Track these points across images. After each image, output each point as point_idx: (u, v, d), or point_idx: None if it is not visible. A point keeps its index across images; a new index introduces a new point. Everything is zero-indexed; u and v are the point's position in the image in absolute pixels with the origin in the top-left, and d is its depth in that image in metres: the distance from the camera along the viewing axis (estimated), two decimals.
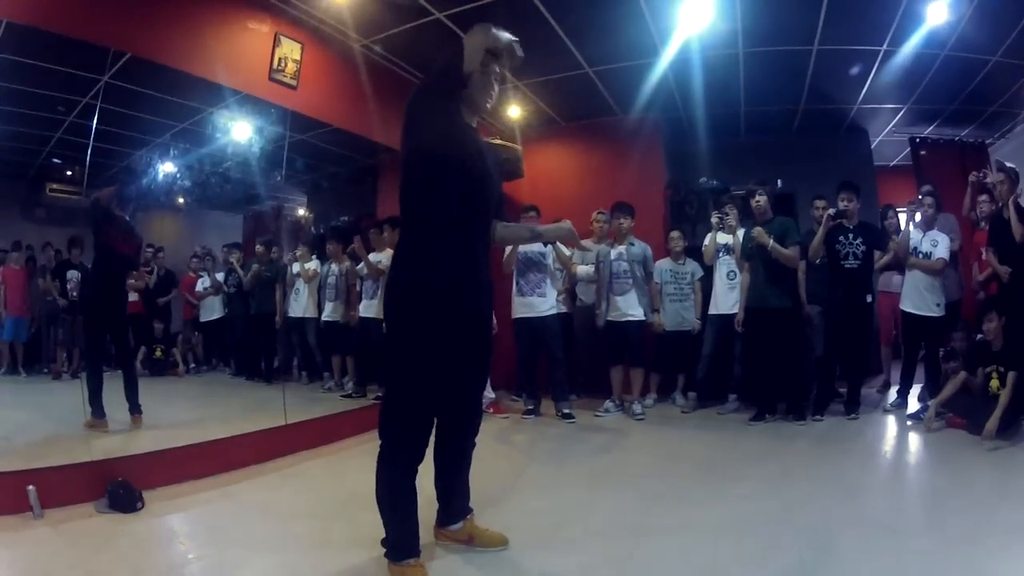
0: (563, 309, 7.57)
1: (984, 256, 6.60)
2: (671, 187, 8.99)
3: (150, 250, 6.70)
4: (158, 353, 6.73)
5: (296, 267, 7.65)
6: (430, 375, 2.98)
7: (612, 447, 5.97)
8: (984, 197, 6.74)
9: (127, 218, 5.39)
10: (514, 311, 7.20)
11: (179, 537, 3.89)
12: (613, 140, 9.19)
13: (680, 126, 9.35)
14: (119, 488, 4.09)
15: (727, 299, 7.16)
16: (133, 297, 6.39)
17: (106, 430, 4.96)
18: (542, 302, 7.10)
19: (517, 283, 7.18)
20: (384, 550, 3.14)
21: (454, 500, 3.55)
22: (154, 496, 4.27)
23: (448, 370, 3.06)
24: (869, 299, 6.76)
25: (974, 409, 5.78)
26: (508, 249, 6.98)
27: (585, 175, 9.26)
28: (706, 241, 7.38)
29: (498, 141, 8.43)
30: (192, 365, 7.12)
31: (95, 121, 5.01)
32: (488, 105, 3.23)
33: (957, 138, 10.58)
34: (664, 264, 7.64)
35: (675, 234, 7.71)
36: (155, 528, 3.89)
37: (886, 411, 6.96)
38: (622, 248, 7.26)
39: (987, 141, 10.51)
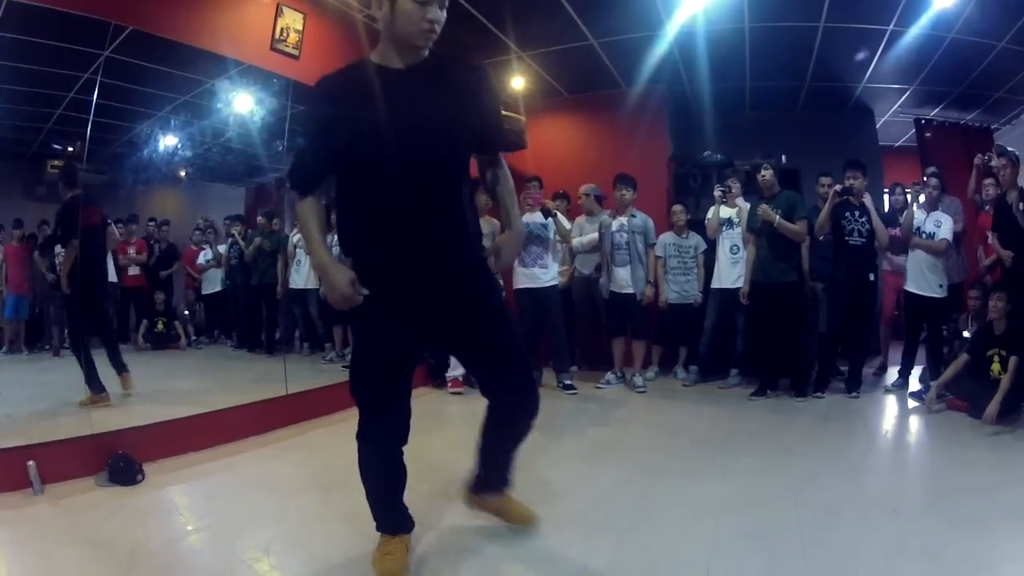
0: (563, 280, 7.58)
1: (989, 240, 6.57)
2: (674, 160, 8.96)
3: (152, 224, 6.70)
4: (160, 326, 6.72)
5: (297, 238, 7.55)
6: (372, 350, 2.83)
7: (613, 419, 5.98)
8: (990, 181, 6.72)
9: (78, 193, 5.29)
10: (515, 282, 7.20)
11: (179, 509, 3.92)
12: (617, 113, 9.12)
13: (684, 100, 9.34)
14: (119, 461, 4.10)
15: (730, 273, 7.15)
16: (135, 271, 6.42)
17: (108, 404, 4.94)
18: (544, 273, 7.11)
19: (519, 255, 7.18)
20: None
21: (490, 472, 3.34)
22: (154, 469, 4.29)
23: (404, 342, 2.82)
24: (872, 277, 6.75)
25: (975, 392, 5.76)
26: None
27: (588, 147, 9.21)
28: (709, 215, 7.36)
29: (503, 112, 8.35)
30: (193, 338, 7.11)
31: (95, 96, 4.97)
32: (423, 33, 2.64)
33: (963, 122, 10.56)
34: (667, 238, 7.63)
35: (678, 208, 7.69)
36: (155, 500, 3.90)
37: (887, 391, 6.97)
38: (623, 219, 7.25)
39: (993, 126, 10.50)
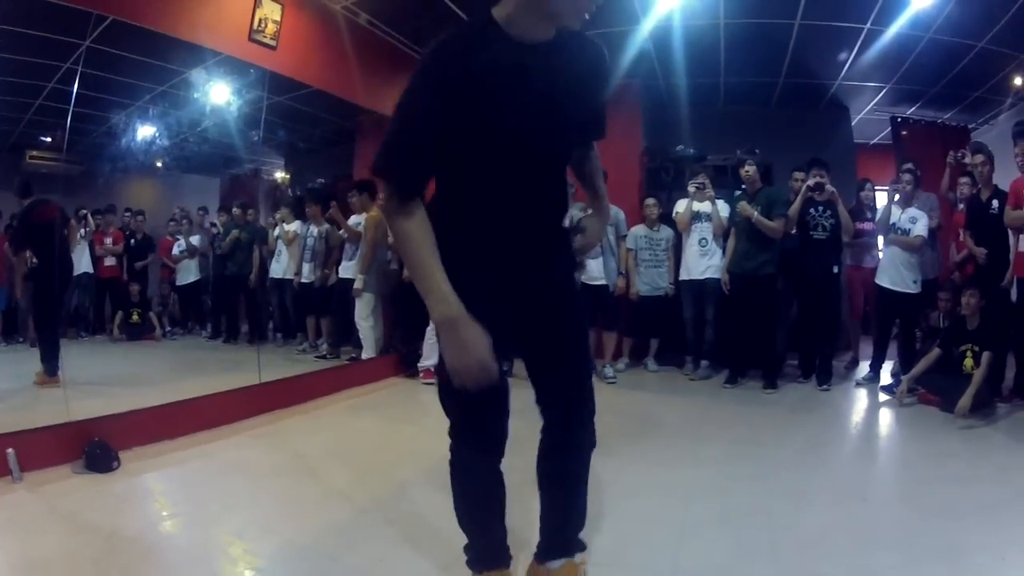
0: None
1: (961, 237, 6.65)
2: (647, 154, 9.02)
3: (128, 214, 6.69)
4: (135, 317, 6.71)
5: (279, 229, 7.70)
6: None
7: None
8: (965, 180, 6.78)
9: (32, 201, 5.35)
10: None
11: (154, 495, 3.95)
12: None
13: (659, 94, 9.39)
14: (96, 449, 4.12)
15: (698, 265, 7.23)
16: (111, 262, 6.40)
17: (58, 385, 4.90)
18: None
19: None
20: (465, 558, 2.59)
21: (548, 526, 2.63)
22: (130, 456, 4.30)
23: (498, 336, 2.15)
24: (836, 270, 6.91)
25: (947, 387, 5.80)
26: None
27: None
28: (679, 208, 7.41)
29: None
30: (168, 329, 7.11)
31: (76, 86, 4.97)
32: (581, 14, 2.15)
33: (939, 121, 10.64)
34: (639, 230, 7.70)
35: (651, 201, 7.76)
36: (132, 487, 3.92)
37: (859, 384, 7.04)
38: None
39: (970, 126, 10.59)
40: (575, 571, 2.61)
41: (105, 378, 5.49)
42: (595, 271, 7.18)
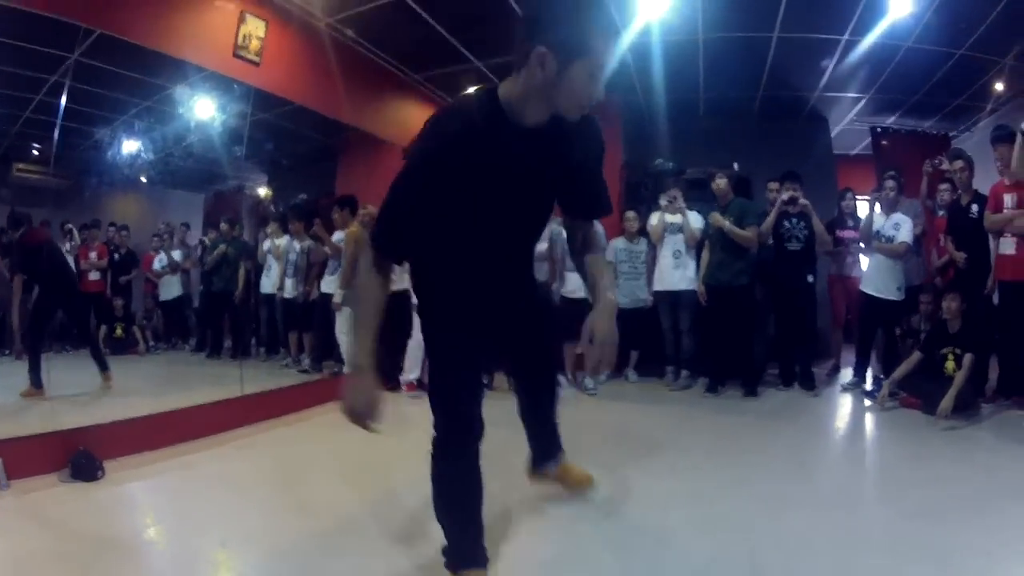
0: None
1: (942, 243, 6.72)
2: (627, 168, 9.13)
3: (112, 228, 6.70)
4: (118, 332, 6.71)
5: (268, 244, 7.76)
6: (451, 359, 2.73)
7: (564, 420, 6.04)
8: (945, 186, 6.86)
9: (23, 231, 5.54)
10: None
11: (139, 504, 3.99)
12: None
13: (638, 109, 9.44)
14: (81, 458, 4.16)
15: (672, 275, 7.30)
16: (95, 276, 6.41)
17: (44, 398, 4.96)
18: None
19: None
20: (444, 559, 2.75)
21: (537, 444, 3.62)
22: (115, 466, 4.34)
23: (476, 350, 2.74)
24: (811, 279, 7.05)
25: (929, 389, 5.82)
26: None
27: None
28: (652, 221, 7.48)
29: None
30: (152, 344, 7.11)
31: (64, 99, 5.00)
32: (580, 107, 2.38)
33: (920, 129, 10.71)
34: (618, 243, 7.76)
35: (630, 214, 7.82)
36: (116, 496, 3.96)
37: (844, 389, 7.11)
38: None
39: (951, 134, 10.63)
40: (566, 469, 3.63)
41: (90, 391, 5.51)
42: (575, 285, 7.22)
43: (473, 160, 2.32)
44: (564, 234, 6.67)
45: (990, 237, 6.04)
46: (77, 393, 5.27)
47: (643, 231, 7.70)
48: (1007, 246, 5.65)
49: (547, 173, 2.54)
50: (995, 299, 6.12)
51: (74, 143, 5.70)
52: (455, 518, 2.73)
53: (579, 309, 7.01)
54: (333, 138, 8.14)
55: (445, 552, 2.72)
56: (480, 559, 2.71)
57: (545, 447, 3.63)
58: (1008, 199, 5.63)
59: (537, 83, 2.25)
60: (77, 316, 5.94)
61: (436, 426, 2.71)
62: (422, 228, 2.44)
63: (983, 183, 6.29)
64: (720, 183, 7.00)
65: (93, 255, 6.41)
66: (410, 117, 8.50)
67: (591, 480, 3.74)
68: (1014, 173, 5.28)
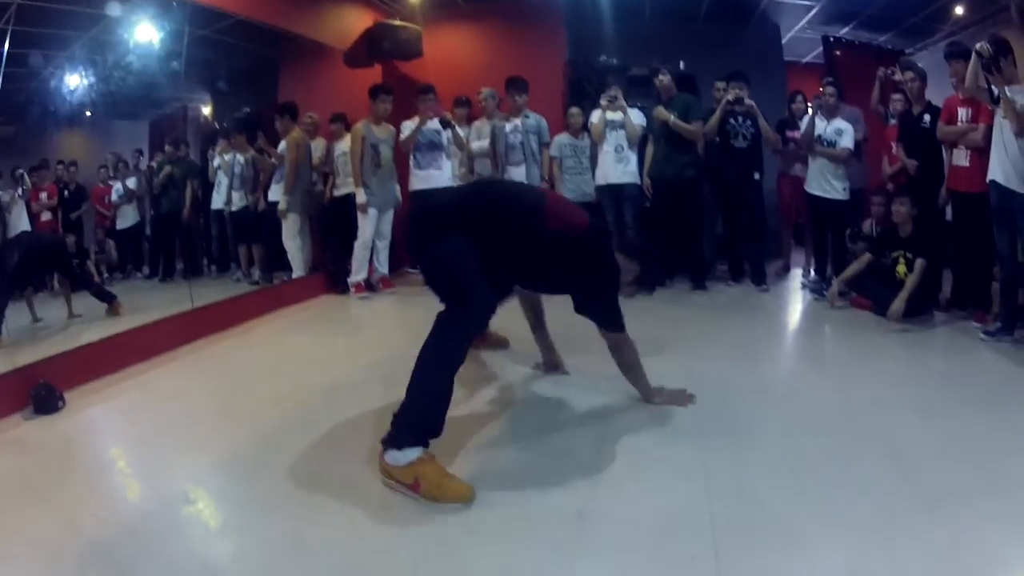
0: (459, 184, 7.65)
1: (894, 150, 6.75)
2: (571, 65, 9.09)
3: (60, 166, 6.62)
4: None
5: (217, 161, 7.73)
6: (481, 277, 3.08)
7: (507, 312, 6.11)
8: (898, 96, 6.86)
9: None
10: (412, 184, 7.47)
11: (98, 429, 4.01)
12: (514, 20, 9.28)
13: (582, 6, 9.31)
14: (41, 391, 4.10)
15: (615, 170, 7.25)
16: (46, 216, 6.34)
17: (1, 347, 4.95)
18: (440, 175, 7.36)
19: (414, 158, 7.44)
20: (403, 438, 2.87)
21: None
22: (75, 395, 4.31)
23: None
24: (757, 176, 7.14)
25: (880, 291, 5.92)
26: (409, 130, 7.28)
27: (485, 54, 9.34)
28: (593, 119, 7.40)
29: (397, 22, 8.49)
30: (107, 275, 7.07)
31: (7, 46, 4.90)
32: None
33: (874, 43, 10.67)
34: (563, 139, 7.73)
35: (574, 110, 7.78)
36: (76, 424, 3.96)
37: (804, 287, 7.25)
38: (517, 121, 7.49)
39: (906, 50, 10.51)
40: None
41: (46, 329, 5.50)
42: (518, 179, 7.30)
43: None
44: (507, 128, 6.74)
45: (943, 148, 6.06)
46: (34, 334, 5.32)
47: (587, 127, 7.67)
48: (960, 158, 5.65)
49: None
50: (948, 213, 6.15)
51: (16, 88, 5.62)
52: (444, 392, 2.93)
53: None
54: (273, 48, 8.07)
55: (411, 429, 2.86)
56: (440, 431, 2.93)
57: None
58: (962, 112, 5.61)
59: None
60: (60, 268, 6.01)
61: (464, 302, 3.01)
62: None
63: (936, 99, 6.28)
64: (663, 79, 7.01)
65: (43, 195, 6.33)
66: (348, 19, 8.42)
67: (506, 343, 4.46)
68: (968, 90, 5.29)
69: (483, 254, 3.09)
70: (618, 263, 3.48)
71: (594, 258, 3.43)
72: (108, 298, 5.75)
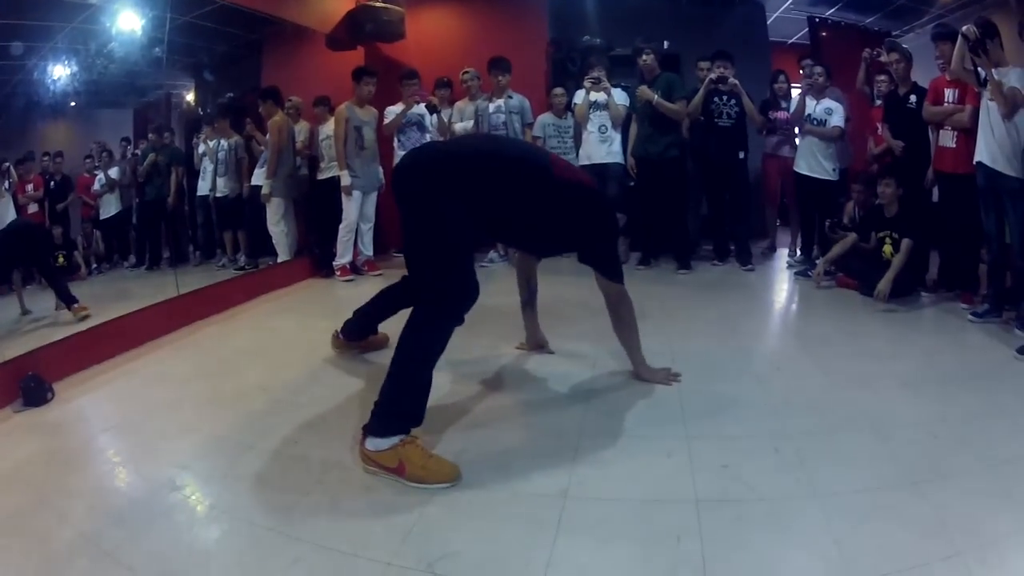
0: None
1: (880, 131, 6.75)
2: (554, 44, 9.06)
3: (46, 157, 6.60)
4: (60, 260, 6.63)
5: (203, 147, 7.71)
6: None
7: (495, 291, 6.09)
8: (883, 77, 6.87)
9: None
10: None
11: (86, 417, 3.98)
12: (496, 1, 9.25)
13: None
14: (30, 383, 4.06)
15: (599, 149, 7.31)
16: (33, 208, 6.32)
17: None
18: None
19: (398, 140, 7.49)
20: (386, 425, 2.88)
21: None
22: (64, 386, 4.28)
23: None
24: (741, 155, 7.18)
25: (866, 271, 5.95)
26: (393, 115, 7.35)
27: (468, 34, 9.25)
28: (577, 100, 7.46)
29: (379, 4, 8.41)
30: (94, 266, 7.05)
31: None
32: None
33: (861, 24, 10.65)
34: (546, 119, 7.77)
35: (558, 90, 7.81)
36: (66, 413, 3.94)
37: (790, 266, 7.27)
38: (500, 102, 7.52)
39: (893, 32, 10.50)
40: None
41: (35, 322, 5.48)
42: None
43: None
44: (490, 108, 6.77)
45: (929, 129, 6.07)
46: (23, 327, 5.28)
47: (571, 107, 7.70)
48: (947, 139, 5.64)
49: None
50: (935, 195, 6.16)
51: (1, 81, 5.61)
52: (425, 383, 2.92)
53: None
54: (255, 33, 8.01)
55: (392, 418, 2.87)
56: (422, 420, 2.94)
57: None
58: (949, 93, 5.60)
59: None
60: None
61: (448, 293, 2.96)
62: None
63: (923, 81, 6.26)
64: (647, 59, 7.00)
65: (29, 187, 6.31)
66: (330, 2, 8.36)
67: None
68: (954, 72, 5.29)
69: (486, 214, 3.11)
70: (616, 218, 3.63)
71: (598, 210, 3.57)
72: (69, 300, 5.55)
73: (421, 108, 7.31)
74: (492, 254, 7.68)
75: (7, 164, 5.80)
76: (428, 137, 7.45)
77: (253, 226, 7.54)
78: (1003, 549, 2.24)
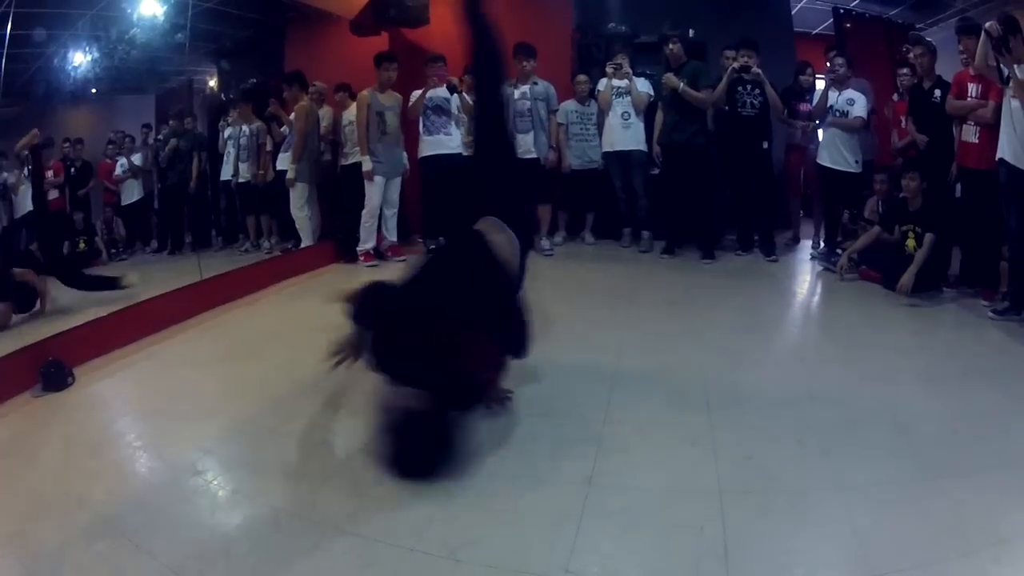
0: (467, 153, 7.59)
1: (904, 125, 6.69)
2: (579, 31, 8.96)
3: (67, 144, 6.61)
4: (82, 246, 6.65)
5: (228, 132, 7.74)
6: None
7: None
8: (905, 70, 6.81)
9: None
10: (422, 150, 7.46)
11: (107, 401, 4.01)
12: None
13: None
14: (50, 368, 4.06)
15: (622, 136, 7.29)
16: (54, 194, 6.34)
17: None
18: (449, 139, 7.38)
19: (423, 124, 7.43)
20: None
21: None
22: (84, 370, 4.28)
23: None
24: (765, 145, 7.06)
25: (889, 264, 5.82)
26: (415, 96, 7.30)
27: (495, 19, 9.14)
28: (600, 87, 7.43)
29: None
30: (115, 251, 7.07)
31: (8, 28, 4.88)
32: None
33: (885, 16, 10.55)
34: (570, 105, 7.72)
35: (582, 77, 7.75)
36: (86, 398, 3.96)
37: (813, 258, 7.16)
38: (525, 88, 7.41)
39: (917, 25, 10.39)
40: None
41: (56, 308, 5.48)
42: (526, 145, 7.26)
43: None
44: (515, 95, 6.72)
45: (953, 125, 6.01)
46: (44, 313, 5.21)
47: (594, 94, 7.65)
48: (970, 134, 5.57)
49: None
50: (958, 191, 6.10)
51: (21, 68, 5.61)
52: None
53: (530, 169, 7.13)
54: (277, 18, 8.06)
55: None
56: None
57: None
58: (972, 88, 5.52)
59: None
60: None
61: None
62: None
63: (947, 75, 6.19)
64: (674, 48, 6.91)
65: (50, 174, 6.32)
66: None
67: None
68: (978, 68, 5.23)
69: None
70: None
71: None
72: (110, 285, 5.55)
73: (444, 91, 7.27)
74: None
75: (26, 151, 5.81)
76: (453, 123, 7.43)
77: (278, 210, 7.55)
78: (1018, 548, 2.23)
